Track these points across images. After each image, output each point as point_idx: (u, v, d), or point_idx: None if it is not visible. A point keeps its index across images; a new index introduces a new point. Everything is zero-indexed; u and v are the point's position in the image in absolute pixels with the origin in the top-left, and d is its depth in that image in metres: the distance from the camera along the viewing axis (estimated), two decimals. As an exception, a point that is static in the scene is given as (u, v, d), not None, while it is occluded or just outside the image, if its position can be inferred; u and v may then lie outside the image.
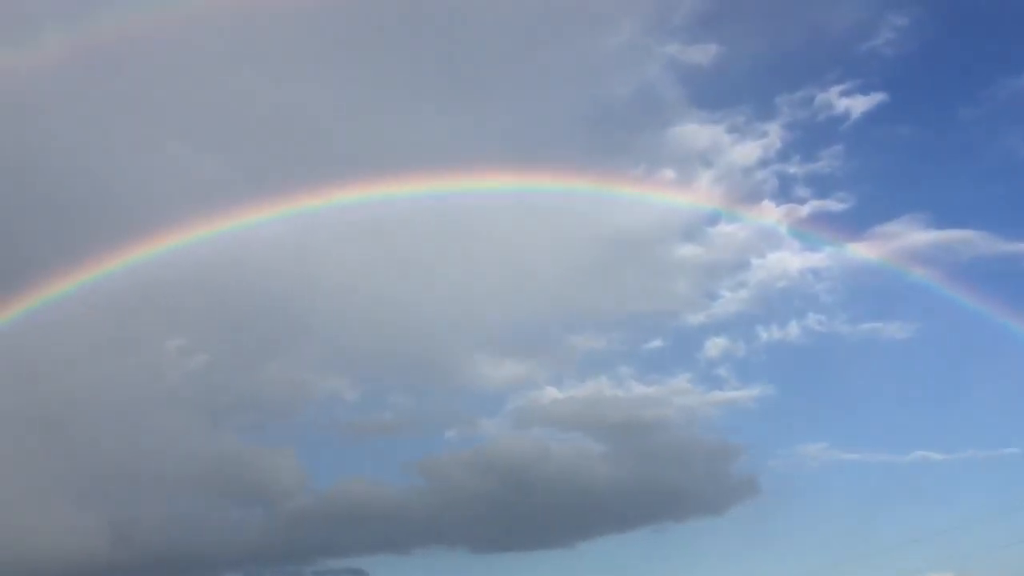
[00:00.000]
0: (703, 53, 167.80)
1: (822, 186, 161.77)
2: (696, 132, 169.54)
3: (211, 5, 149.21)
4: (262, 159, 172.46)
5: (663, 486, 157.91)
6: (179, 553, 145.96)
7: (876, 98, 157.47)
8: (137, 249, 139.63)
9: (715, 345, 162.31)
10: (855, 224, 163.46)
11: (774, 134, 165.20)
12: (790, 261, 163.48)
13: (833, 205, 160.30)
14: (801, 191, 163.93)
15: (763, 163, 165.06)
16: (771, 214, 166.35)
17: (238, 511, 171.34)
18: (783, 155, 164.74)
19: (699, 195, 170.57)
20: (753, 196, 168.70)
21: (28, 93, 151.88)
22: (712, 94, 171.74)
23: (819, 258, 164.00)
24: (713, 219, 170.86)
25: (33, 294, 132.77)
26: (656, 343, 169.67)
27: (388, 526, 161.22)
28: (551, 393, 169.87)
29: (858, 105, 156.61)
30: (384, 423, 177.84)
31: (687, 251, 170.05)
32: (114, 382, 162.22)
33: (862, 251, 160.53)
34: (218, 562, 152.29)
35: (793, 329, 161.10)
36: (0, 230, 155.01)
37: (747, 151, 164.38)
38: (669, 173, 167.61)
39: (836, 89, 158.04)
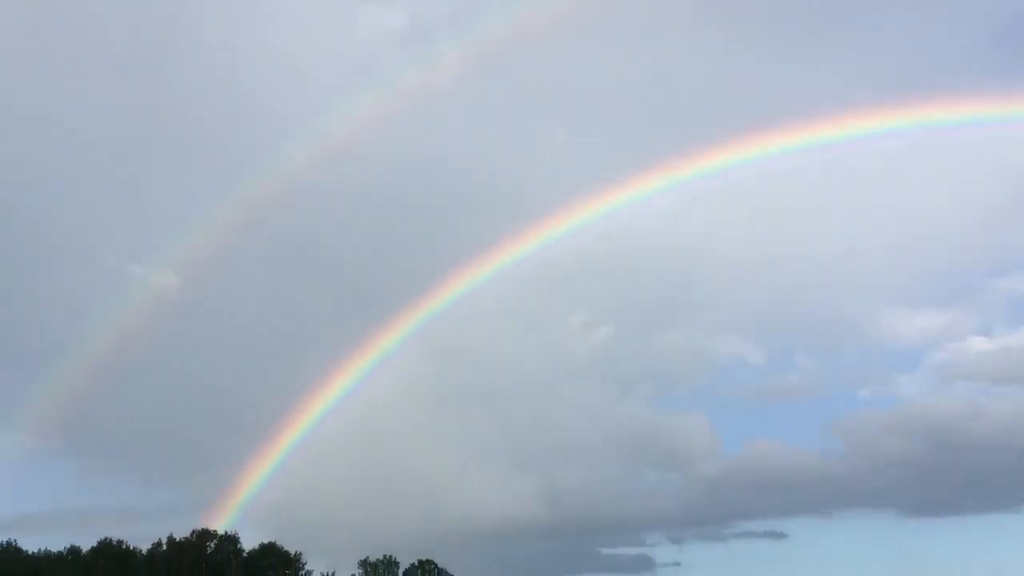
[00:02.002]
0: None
1: None
2: None
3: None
4: (640, 134, 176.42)
5: None
6: (603, 515, 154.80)
7: None
8: (536, 234, 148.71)
9: None
10: None
11: None
12: None
13: None
14: None
15: None
16: None
17: (655, 475, 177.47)
18: None
19: None
20: None
21: (432, 104, 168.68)
22: None
23: None
24: None
25: (456, 283, 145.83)
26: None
27: (806, 489, 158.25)
28: (977, 344, 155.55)
29: None
30: (791, 385, 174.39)
31: None
32: (527, 358, 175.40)
33: None
34: (640, 524, 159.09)
35: None
36: (419, 229, 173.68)
37: None
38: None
39: None
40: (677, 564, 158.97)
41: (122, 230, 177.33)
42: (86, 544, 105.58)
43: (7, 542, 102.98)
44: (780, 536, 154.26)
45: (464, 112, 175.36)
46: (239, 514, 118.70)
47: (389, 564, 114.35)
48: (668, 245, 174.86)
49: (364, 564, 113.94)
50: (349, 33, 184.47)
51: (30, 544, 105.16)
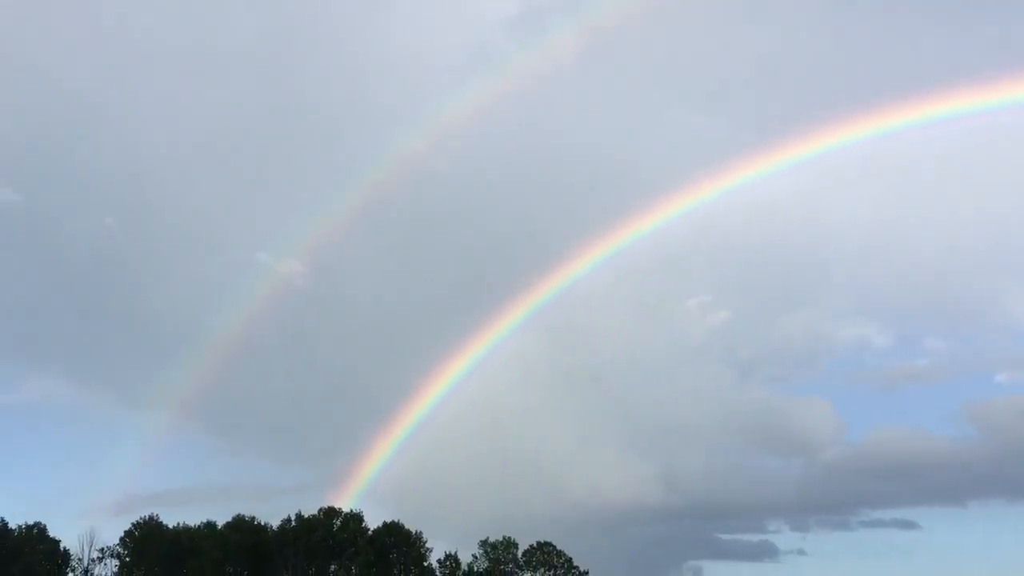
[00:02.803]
0: None
1: None
2: None
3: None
4: (763, 111, 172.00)
5: None
6: (723, 500, 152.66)
7: None
8: (654, 214, 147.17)
9: None
10: None
11: None
12: None
13: None
14: None
15: None
16: None
17: (776, 461, 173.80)
18: None
19: None
20: None
21: (547, 87, 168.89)
22: None
23: None
24: None
25: (573, 264, 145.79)
26: None
27: (938, 477, 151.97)
28: None
29: None
30: (919, 369, 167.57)
31: None
32: (645, 341, 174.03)
33: None
34: (761, 510, 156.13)
35: None
36: (536, 212, 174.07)
37: None
38: None
39: None
40: (801, 552, 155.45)
41: (250, 220, 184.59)
42: (221, 519, 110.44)
43: (149, 516, 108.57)
44: (911, 526, 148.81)
45: (580, 94, 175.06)
46: (363, 493, 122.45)
47: (508, 545, 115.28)
48: (791, 225, 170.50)
49: (484, 544, 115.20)
50: (463, 20, 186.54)
51: (169, 518, 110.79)
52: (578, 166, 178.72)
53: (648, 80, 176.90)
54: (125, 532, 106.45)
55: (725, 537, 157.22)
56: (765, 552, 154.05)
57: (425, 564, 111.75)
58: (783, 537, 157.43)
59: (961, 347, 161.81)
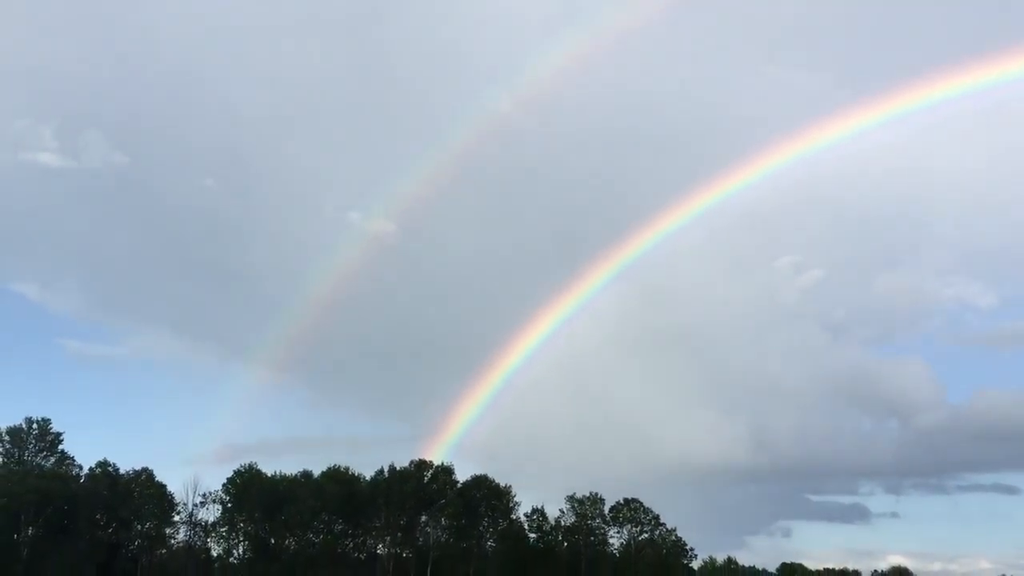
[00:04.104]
0: None
1: None
2: None
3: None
4: (861, 65, 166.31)
5: None
6: (814, 461, 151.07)
7: None
8: (745, 171, 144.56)
9: None
10: None
11: None
12: None
13: None
14: None
15: None
16: None
17: (871, 423, 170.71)
18: None
19: None
20: None
21: (637, 43, 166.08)
22: None
23: None
24: None
25: (662, 223, 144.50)
26: None
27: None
28: None
29: None
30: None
31: None
32: (734, 300, 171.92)
33: None
34: (854, 472, 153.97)
35: None
36: (625, 169, 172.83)
37: None
38: None
39: None
40: (895, 515, 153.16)
41: (342, 181, 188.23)
42: (317, 469, 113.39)
43: (249, 464, 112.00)
44: (1012, 490, 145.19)
45: (670, 49, 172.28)
46: (453, 447, 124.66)
47: (595, 501, 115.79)
48: (890, 181, 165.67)
49: (571, 499, 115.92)
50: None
51: (268, 467, 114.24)
52: (668, 123, 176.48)
53: (740, 35, 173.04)
54: (227, 479, 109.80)
55: (816, 498, 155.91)
56: (857, 514, 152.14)
57: (513, 517, 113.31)
58: (876, 499, 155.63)
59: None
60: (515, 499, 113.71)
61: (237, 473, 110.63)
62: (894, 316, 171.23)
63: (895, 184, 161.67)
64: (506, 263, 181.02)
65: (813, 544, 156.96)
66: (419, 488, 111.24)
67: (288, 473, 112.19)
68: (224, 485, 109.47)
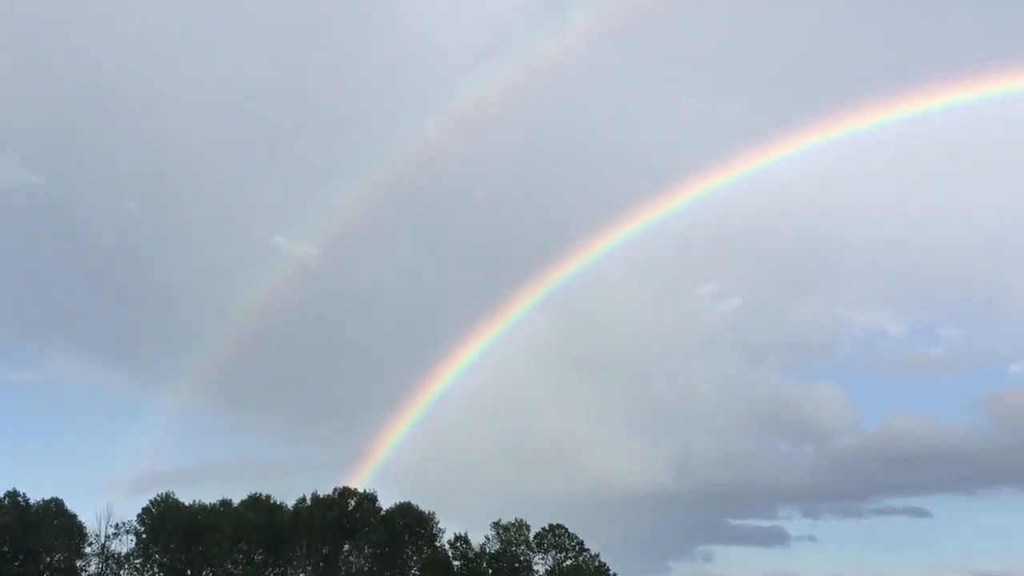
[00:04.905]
0: None
1: None
2: None
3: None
4: (778, 98, 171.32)
5: None
6: (735, 485, 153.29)
7: None
8: (667, 201, 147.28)
9: None
10: None
11: None
12: None
13: None
14: None
15: None
16: None
17: (788, 447, 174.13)
18: None
19: None
20: None
21: (564, 74, 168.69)
22: None
23: None
24: None
25: (587, 250, 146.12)
26: None
27: (950, 465, 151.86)
28: None
29: None
30: (934, 358, 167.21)
31: None
32: (656, 328, 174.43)
33: None
34: (772, 496, 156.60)
35: None
36: (550, 197, 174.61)
37: None
38: None
39: None
40: (812, 538, 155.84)
41: (267, 205, 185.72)
42: (237, 497, 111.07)
43: (165, 493, 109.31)
44: (922, 513, 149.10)
45: (596, 80, 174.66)
46: (378, 474, 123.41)
47: (520, 527, 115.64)
48: (805, 211, 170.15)
49: (496, 526, 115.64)
50: (480, 6, 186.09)
51: (186, 495, 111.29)
52: (593, 152, 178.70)
53: (664, 66, 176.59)
54: (142, 508, 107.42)
55: (736, 522, 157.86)
56: (776, 538, 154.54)
57: (437, 544, 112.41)
58: (794, 523, 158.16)
59: (975, 336, 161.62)
60: (439, 526, 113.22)
61: (153, 502, 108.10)
62: (809, 343, 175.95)
63: (810, 215, 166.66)
64: (432, 288, 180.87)
65: (734, 568, 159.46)
66: (342, 516, 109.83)
67: (206, 502, 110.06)
68: (139, 515, 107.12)
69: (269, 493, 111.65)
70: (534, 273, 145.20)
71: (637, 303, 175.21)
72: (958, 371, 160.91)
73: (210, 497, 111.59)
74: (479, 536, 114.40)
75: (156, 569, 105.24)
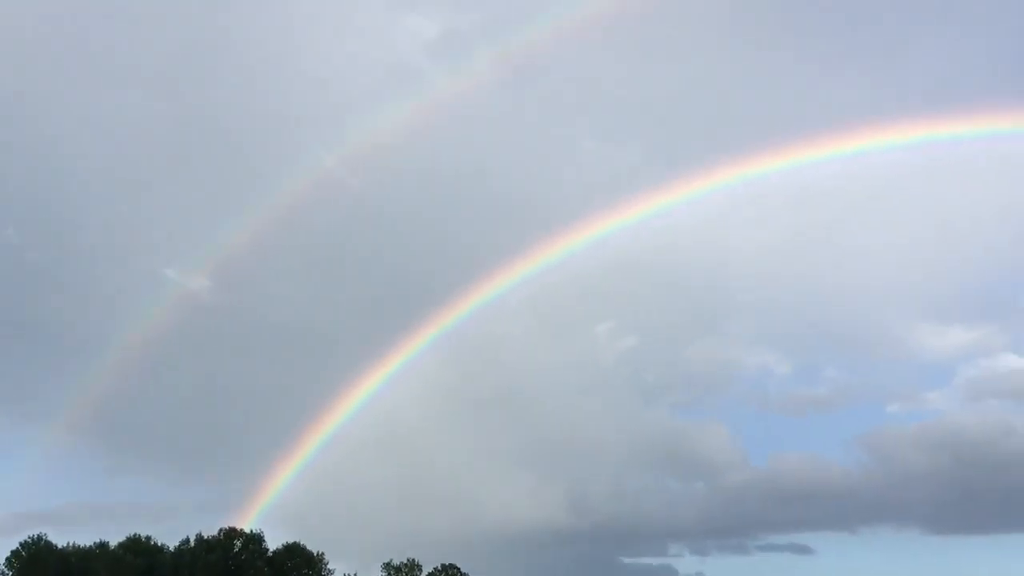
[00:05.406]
0: None
1: None
2: None
3: (606, 10, 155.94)
4: (673, 144, 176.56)
5: None
6: (627, 524, 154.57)
7: None
8: (565, 242, 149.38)
9: None
10: None
11: None
12: None
13: None
14: None
15: None
16: None
17: (679, 485, 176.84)
18: None
19: None
20: None
21: (464, 112, 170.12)
22: None
23: None
24: None
25: (484, 289, 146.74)
26: None
27: (832, 503, 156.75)
28: (1009, 361, 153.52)
29: None
30: (819, 397, 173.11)
31: None
32: (553, 366, 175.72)
33: None
34: (663, 534, 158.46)
35: None
36: (448, 235, 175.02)
37: None
38: None
39: None
40: (700, 575, 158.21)
41: (158, 234, 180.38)
42: (115, 539, 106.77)
43: (37, 536, 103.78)
44: (805, 550, 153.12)
45: (495, 120, 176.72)
46: (265, 514, 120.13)
47: (412, 567, 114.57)
48: (699, 254, 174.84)
49: (387, 567, 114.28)
50: (383, 41, 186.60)
51: (60, 538, 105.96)
52: (491, 190, 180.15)
53: (563, 109, 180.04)
54: (11, 552, 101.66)
55: (628, 560, 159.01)
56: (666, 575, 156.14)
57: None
58: (683, 561, 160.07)
59: (855, 377, 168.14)
60: (329, 567, 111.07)
61: (23, 545, 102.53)
62: (701, 382, 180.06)
63: (703, 256, 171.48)
64: (326, 324, 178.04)
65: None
66: (226, 558, 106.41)
67: (82, 544, 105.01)
68: (8, 559, 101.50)
69: (150, 535, 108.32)
70: (429, 311, 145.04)
71: (534, 341, 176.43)
72: (840, 410, 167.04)
73: (85, 539, 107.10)
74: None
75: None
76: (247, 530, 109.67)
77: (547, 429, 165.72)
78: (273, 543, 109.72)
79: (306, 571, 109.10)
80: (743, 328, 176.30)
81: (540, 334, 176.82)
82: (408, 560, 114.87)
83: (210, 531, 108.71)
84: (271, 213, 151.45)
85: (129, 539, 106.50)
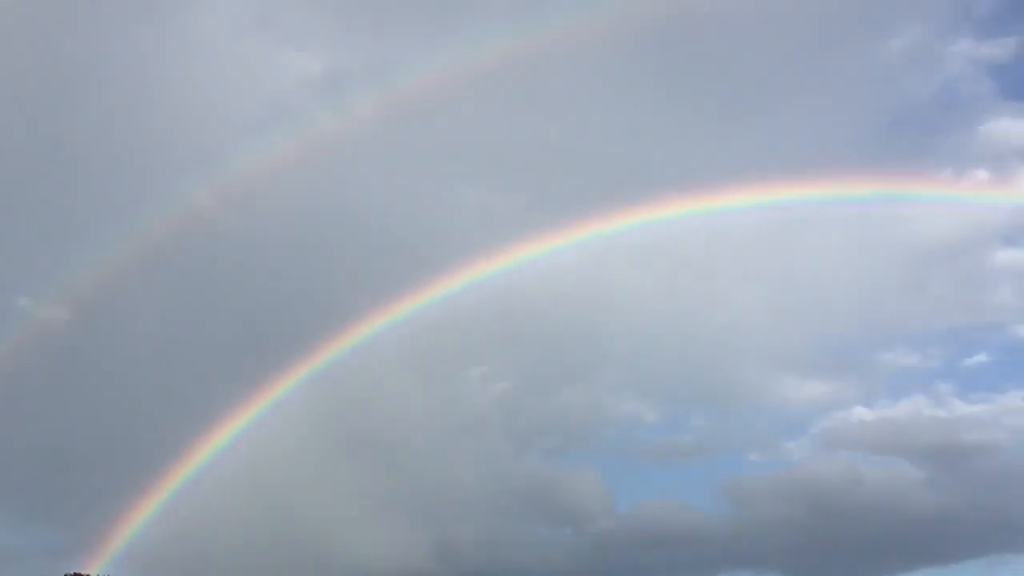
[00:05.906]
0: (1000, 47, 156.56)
1: None
2: (1009, 128, 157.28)
3: (490, 57, 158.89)
4: (553, 194, 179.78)
5: (995, 515, 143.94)
6: (497, 570, 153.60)
7: None
8: (438, 286, 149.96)
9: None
10: None
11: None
12: None
13: None
14: None
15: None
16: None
17: (548, 531, 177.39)
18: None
19: (1020, 193, 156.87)
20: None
21: (342, 153, 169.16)
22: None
23: None
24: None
25: (354, 332, 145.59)
26: (980, 358, 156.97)
27: (693, 549, 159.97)
28: (860, 414, 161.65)
29: None
30: (686, 445, 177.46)
31: (1009, 256, 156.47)
32: (425, 410, 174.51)
33: None
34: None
35: None
36: (319, 276, 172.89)
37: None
38: (982, 173, 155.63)
39: None
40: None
41: (11, 261, 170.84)
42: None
43: None
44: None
45: (373, 162, 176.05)
46: (119, 558, 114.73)
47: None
48: (574, 302, 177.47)
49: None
50: (263, 77, 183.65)
51: None
52: (369, 233, 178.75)
53: (445, 154, 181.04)
54: None
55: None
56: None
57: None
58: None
59: (718, 426, 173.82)
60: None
61: None
62: (572, 428, 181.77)
63: (576, 304, 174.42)
64: (192, 362, 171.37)
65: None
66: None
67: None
68: None
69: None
70: (299, 353, 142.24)
71: (405, 385, 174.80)
72: (704, 458, 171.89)
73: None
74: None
75: None
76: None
77: (417, 473, 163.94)
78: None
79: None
80: (616, 375, 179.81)
81: (413, 377, 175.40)
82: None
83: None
84: (139, 246, 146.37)
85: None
